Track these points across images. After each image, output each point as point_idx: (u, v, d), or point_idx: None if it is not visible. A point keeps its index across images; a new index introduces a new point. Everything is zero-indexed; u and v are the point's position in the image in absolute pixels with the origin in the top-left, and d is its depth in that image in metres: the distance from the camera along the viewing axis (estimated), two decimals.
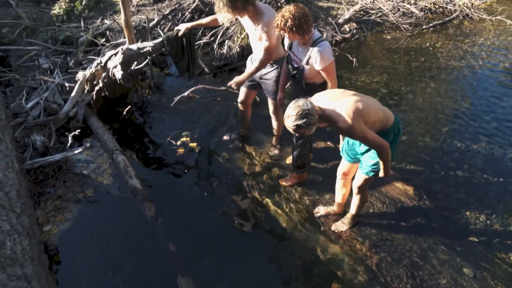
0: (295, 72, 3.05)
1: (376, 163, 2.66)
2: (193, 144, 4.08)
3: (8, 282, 2.16)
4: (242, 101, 3.88)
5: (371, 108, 2.50)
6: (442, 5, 7.25)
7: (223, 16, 3.13)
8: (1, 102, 3.83)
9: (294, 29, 2.72)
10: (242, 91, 3.80)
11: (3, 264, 2.23)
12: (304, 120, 2.33)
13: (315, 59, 2.87)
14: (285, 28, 2.74)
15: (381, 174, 2.69)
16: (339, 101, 2.44)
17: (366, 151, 2.72)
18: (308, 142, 3.39)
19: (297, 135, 2.49)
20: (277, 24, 2.76)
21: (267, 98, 3.65)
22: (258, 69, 3.31)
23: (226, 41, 5.65)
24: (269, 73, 3.42)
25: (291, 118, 2.36)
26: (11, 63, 5.20)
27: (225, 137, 4.24)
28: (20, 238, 2.52)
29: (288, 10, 2.72)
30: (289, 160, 3.84)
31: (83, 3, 6.20)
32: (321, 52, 2.83)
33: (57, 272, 2.97)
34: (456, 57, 5.88)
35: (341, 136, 3.03)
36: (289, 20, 2.70)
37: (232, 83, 3.43)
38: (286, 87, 3.52)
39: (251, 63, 3.52)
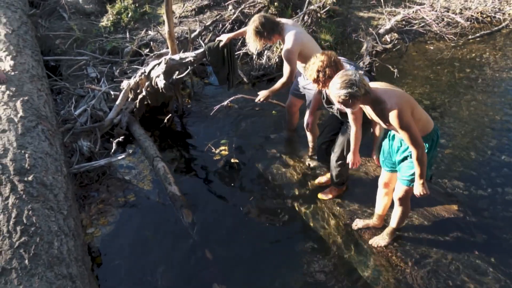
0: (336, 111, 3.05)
1: (414, 173, 2.59)
2: (225, 153, 4.17)
3: (55, 280, 2.27)
4: (288, 107, 4.04)
5: (417, 106, 2.48)
6: (490, 14, 6.96)
7: (252, 45, 3.36)
8: (53, 109, 4.05)
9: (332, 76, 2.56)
10: (289, 98, 3.95)
11: (51, 263, 2.34)
12: (349, 90, 2.26)
13: None
14: (321, 82, 2.65)
15: (417, 187, 2.56)
16: (389, 88, 2.42)
17: (403, 159, 2.65)
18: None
19: (338, 106, 2.40)
20: (315, 79, 2.66)
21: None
22: (278, 88, 3.53)
23: (265, 52, 5.70)
24: (311, 84, 3.42)
25: (335, 85, 2.30)
26: (62, 72, 5.50)
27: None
28: (66, 239, 2.63)
29: (319, 61, 2.62)
30: (326, 177, 3.76)
31: (129, 15, 6.47)
32: None
33: (99, 273, 3.08)
34: (505, 69, 5.62)
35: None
36: (327, 70, 2.61)
37: (259, 98, 3.65)
38: None
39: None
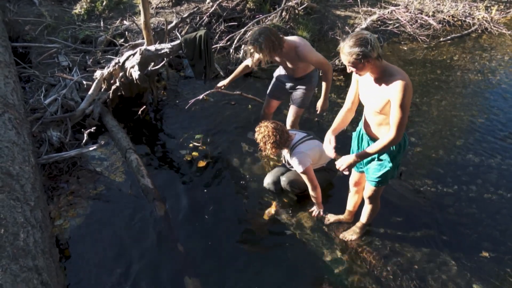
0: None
1: (381, 175, 2.64)
2: (199, 146, 4.14)
3: (20, 273, 2.20)
4: (265, 107, 4.02)
5: None
6: (460, 18, 7.19)
7: (255, 57, 3.41)
8: (21, 97, 3.91)
9: (274, 145, 3.12)
10: (267, 100, 3.94)
11: (16, 255, 2.27)
12: (363, 48, 2.11)
13: (294, 165, 3.20)
14: (266, 145, 3.12)
15: (348, 160, 2.46)
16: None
17: (370, 161, 2.68)
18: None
19: (349, 67, 2.24)
20: (257, 139, 3.16)
21: (290, 106, 3.78)
22: (329, 84, 3.45)
23: (243, 46, 5.68)
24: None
25: (348, 43, 2.13)
26: (32, 60, 5.31)
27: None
28: (33, 230, 2.56)
29: (266, 128, 3.11)
30: None
31: (104, 3, 6.31)
32: (297, 158, 3.15)
33: (67, 266, 3.01)
34: (473, 71, 5.82)
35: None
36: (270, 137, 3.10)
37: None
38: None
39: (275, 79, 3.77)
